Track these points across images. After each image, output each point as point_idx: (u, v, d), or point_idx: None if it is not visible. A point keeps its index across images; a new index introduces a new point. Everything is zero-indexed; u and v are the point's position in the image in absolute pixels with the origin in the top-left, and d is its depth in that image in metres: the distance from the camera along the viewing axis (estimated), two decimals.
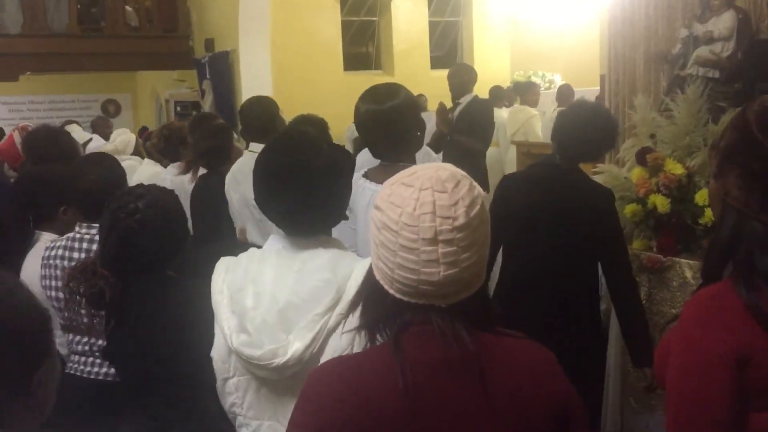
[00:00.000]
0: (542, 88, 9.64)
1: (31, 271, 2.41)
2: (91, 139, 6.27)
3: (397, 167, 2.02)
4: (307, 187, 1.48)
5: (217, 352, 1.52)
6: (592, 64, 6.77)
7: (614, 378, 3.17)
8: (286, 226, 1.54)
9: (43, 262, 2.35)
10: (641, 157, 3.14)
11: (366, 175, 2.28)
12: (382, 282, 1.10)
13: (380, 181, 2.11)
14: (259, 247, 1.61)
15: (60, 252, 2.32)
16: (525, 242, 2.63)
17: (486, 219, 1.10)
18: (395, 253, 1.06)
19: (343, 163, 1.60)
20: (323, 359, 1.36)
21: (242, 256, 1.55)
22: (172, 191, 1.98)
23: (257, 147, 3.39)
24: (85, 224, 2.35)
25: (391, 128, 2.18)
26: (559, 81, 9.81)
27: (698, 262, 2.80)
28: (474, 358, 1.06)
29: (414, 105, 2.26)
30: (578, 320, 2.60)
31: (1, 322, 0.97)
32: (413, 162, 2.27)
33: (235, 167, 3.43)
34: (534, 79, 9.91)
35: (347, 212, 1.67)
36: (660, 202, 3.00)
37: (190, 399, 1.72)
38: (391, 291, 1.09)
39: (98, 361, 2.23)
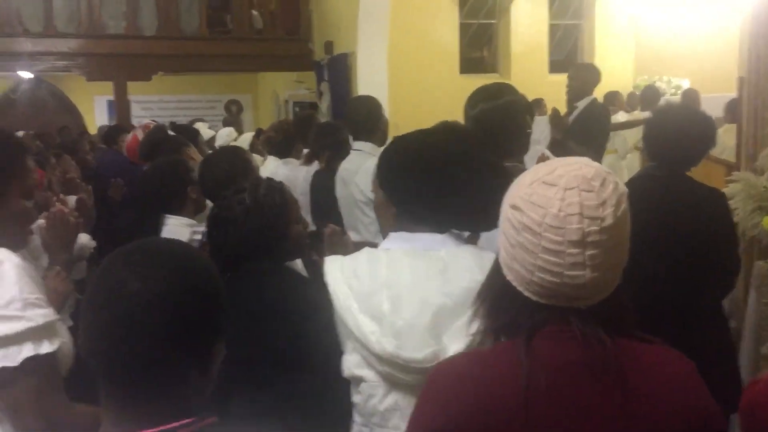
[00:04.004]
0: (668, 94, 9.19)
1: None
2: (214, 137, 6.58)
3: (510, 168, 1.98)
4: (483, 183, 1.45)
5: (345, 357, 1.49)
6: (725, 67, 6.37)
7: None
8: (444, 221, 1.48)
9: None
10: None
11: None
12: (515, 283, 1.05)
13: None
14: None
15: (200, 237, 2.46)
16: (643, 265, 2.49)
17: (629, 217, 1.04)
18: (536, 255, 1.00)
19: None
20: None
21: (359, 258, 1.48)
22: (281, 189, 2.01)
23: (362, 145, 3.42)
24: None
25: (507, 123, 2.14)
26: (686, 86, 9.31)
27: None
28: (615, 362, 1.01)
29: (527, 102, 2.25)
30: (707, 341, 2.42)
31: (209, 279, 1.02)
32: (522, 162, 2.21)
33: (342, 167, 3.46)
34: (659, 84, 9.46)
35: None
36: None
37: (291, 383, 1.72)
38: (527, 293, 1.04)
39: None
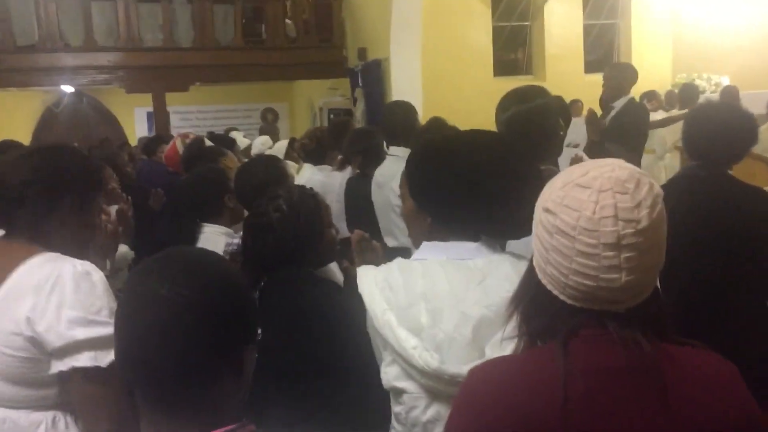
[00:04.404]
0: (708, 92, 9.03)
1: None
2: (250, 145, 6.65)
3: (544, 171, 1.95)
4: (519, 191, 1.40)
5: (384, 369, 1.46)
6: (767, 63, 6.22)
7: None
8: (482, 230, 1.45)
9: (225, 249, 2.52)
10: None
11: None
12: (550, 287, 1.04)
13: None
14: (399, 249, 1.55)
15: (236, 248, 2.47)
16: (684, 266, 2.42)
17: (665, 218, 1.02)
18: (571, 258, 0.99)
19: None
20: None
21: (393, 268, 1.45)
22: (313, 195, 2.04)
23: (397, 150, 3.44)
24: None
25: (540, 126, 2.11)
26: (727, 83, 9.12)
27: None
28: (655, 366, 1.00)
29: (559, 104, 2.21)
30: (752, 343, 2.36)
31: (235, 285, 1.05)
32: (556, 165, 2.19)
33: (378, 171, 3.47)
34: (698, 81, 9.30)
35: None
36: None
37: (328, 391, 1.73)
38: (562, 297, 1.03)
39: None
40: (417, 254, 1.50)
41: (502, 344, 1.27)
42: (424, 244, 1.50)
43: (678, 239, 2.38)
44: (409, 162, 1.56)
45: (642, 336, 1.01)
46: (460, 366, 1.30)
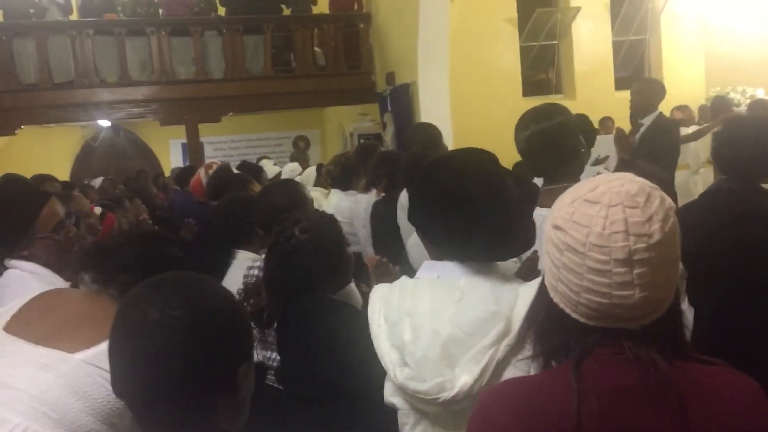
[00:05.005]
0: (743, 105, 8.86)
1: (231, 286, 2.60)
2: (280, 172, 6.72)
3: (563, 189, 1.93)
4: (494, 215, 1.41)
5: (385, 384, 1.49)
6: None
7: None
8: (461, 252, 1.45)
9: (243, 280, 2.52)
10: None
11: None
12: (562, 305, 1.03)
13: (548, 205, 2.00)
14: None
15: (256, 272, 2.48)
16: (719, 277, 2.36)
17: (678, 231, 1.00)
18: (582, 276, 0.98)
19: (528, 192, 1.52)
20: None
21: (395, 286, 1.50)
22: (333, 218, 2.05)
23: None
24: None
25: (561, 144, 2.10)
26: (762, 95, 8.95)
27: None
28: (672, 386, 0.97)
29: (580, 121, 2.20)
30: None
31: (224, 305, 1.06)
32: (576, 182, 2.16)
33: (403, 194, 3.47)
34: (733, 95, 9.14)
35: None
36: None
37: (351, 417, 1.72)
38: (575, 315, 1.01)
39: None
40: (418, 273, 1.52)
41: (472, 364, 1.27)
42: (424, 263, 1.52)
43: (713, 253, 2.34)
44: (407, 185, 1.61)
45: (658, 354, 0.98)
46: (421, 383, 1.31)
